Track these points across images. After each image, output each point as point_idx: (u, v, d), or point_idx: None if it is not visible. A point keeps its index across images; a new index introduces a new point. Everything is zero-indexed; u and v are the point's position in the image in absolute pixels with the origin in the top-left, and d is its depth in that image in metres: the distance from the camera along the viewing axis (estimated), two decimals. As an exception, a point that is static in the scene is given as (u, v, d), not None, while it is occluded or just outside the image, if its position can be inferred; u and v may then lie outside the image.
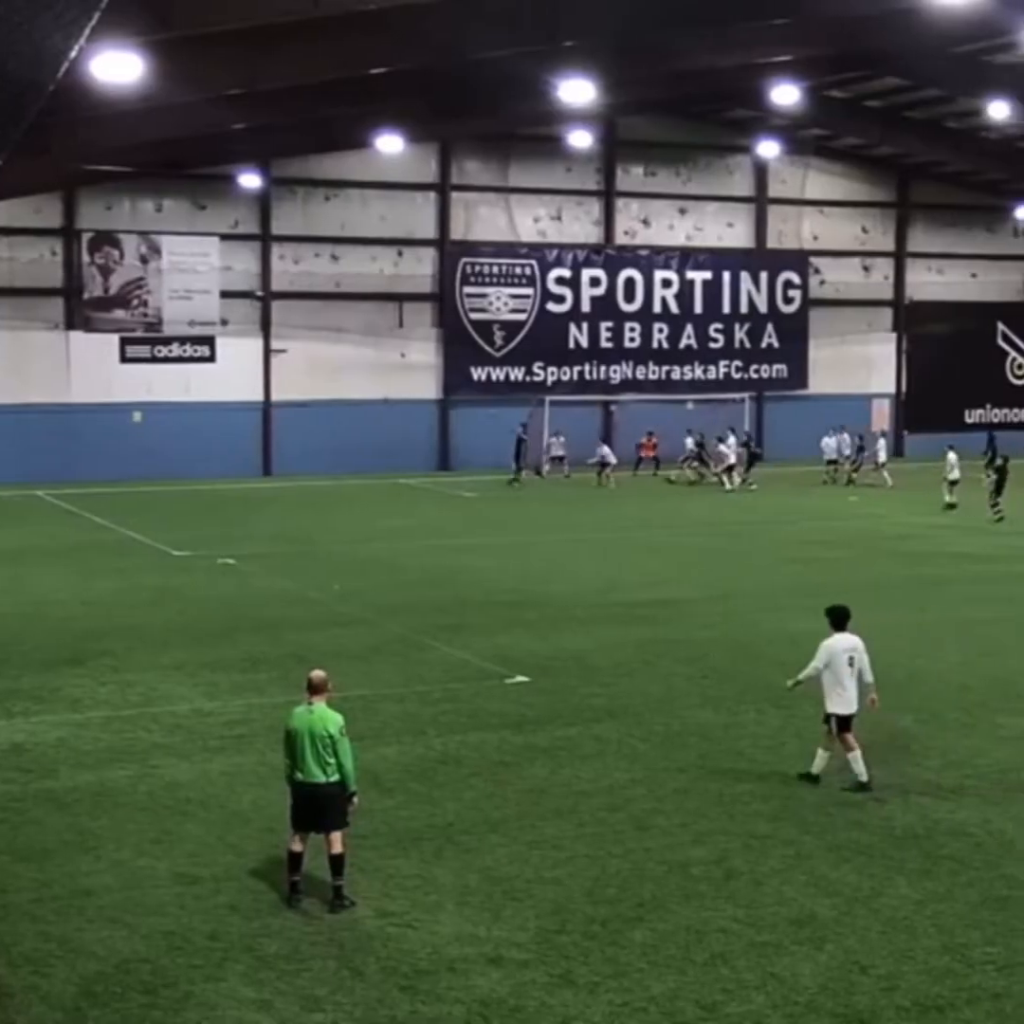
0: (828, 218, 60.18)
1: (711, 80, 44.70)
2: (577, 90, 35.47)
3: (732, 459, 48.03)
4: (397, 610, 25.80)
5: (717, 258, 58.20)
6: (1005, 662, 21.61)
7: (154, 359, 51.04)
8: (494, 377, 55.12)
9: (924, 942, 11.51)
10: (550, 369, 55.77)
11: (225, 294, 51.59)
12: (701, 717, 18.41)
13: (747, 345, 58.79)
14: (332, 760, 12.23)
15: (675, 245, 57.76)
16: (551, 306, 55.67)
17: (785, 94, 44.38)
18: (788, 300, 59.29)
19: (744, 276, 58.52)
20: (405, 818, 14.47)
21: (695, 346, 57.94)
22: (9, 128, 10.27)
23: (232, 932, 11.73)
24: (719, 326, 58.31)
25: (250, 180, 50.92)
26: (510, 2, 28.83)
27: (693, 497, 45.99)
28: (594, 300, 56.26)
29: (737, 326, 58.53)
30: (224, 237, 51.68)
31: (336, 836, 12.29)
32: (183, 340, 51.33)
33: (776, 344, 59.14)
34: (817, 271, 59.99)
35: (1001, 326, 63.53)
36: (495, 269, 54.85)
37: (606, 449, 50.36)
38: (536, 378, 55.52)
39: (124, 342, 50.66)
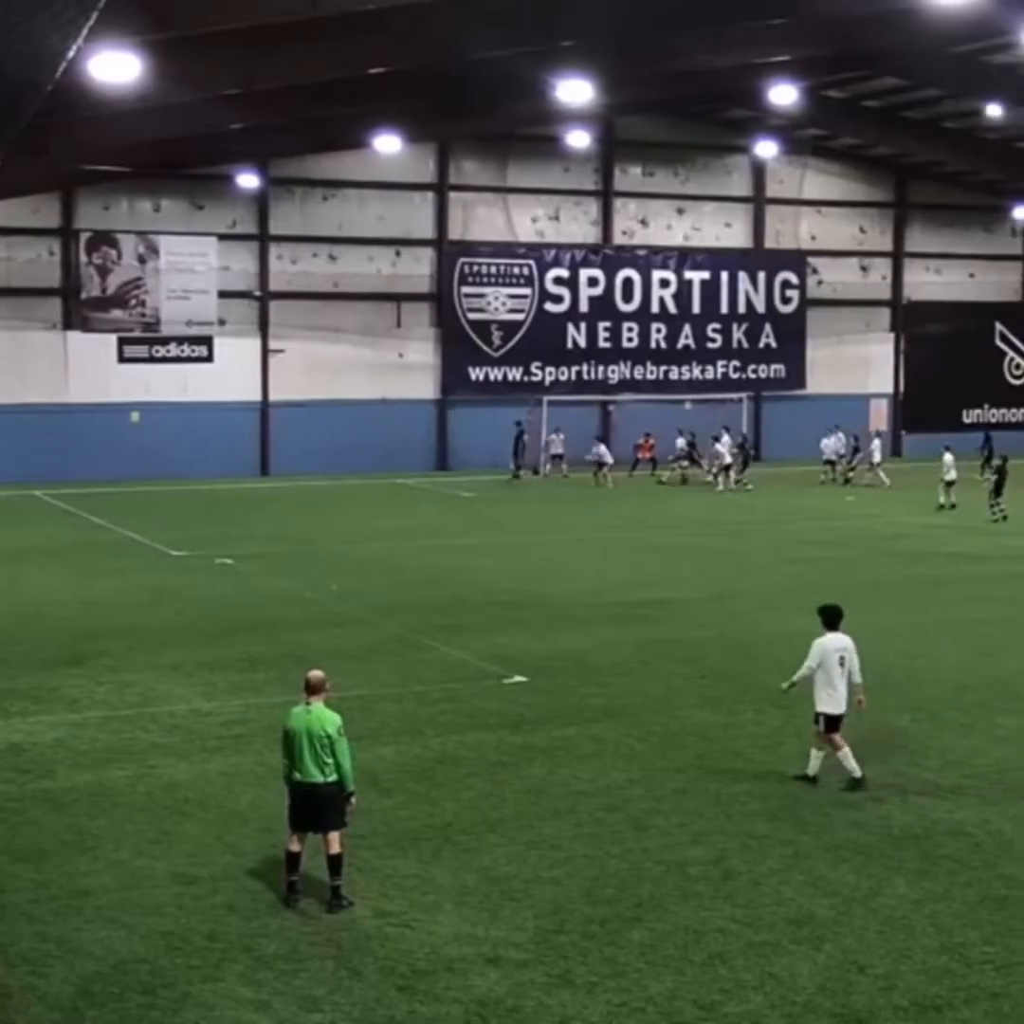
0: (826, 218, 60.18)
1: (709, 80, 44.67)
2: (575, 90, 35.45)
3: (728, 459, 48.03)
4: (395, 610, 25.80)
5: (715, 258, 58.17)
6: (1003, 662, 21.63)
7: (152, 359, 51.00)
8: (492, 377, 55.08)
9: (922, 942, 11.52)
10: (548, 369, 55.72)
11: (223, 294, 51.55)
12: (699, 717, 18.41)
13: (745, 345, 58.76)
14: (330, 760, 12.23)
15: (673, 245, 57.74)
16: (549, 306, 55.64)
17: (783, 94, 44.33)
18: (786, 300, 59.27)
19: (742, 276, 58.49)
20: (403, 818, 14.47)
21: (693, 346, 57.90)
22: (7, 128, 10.28)
23: (230, 932, 11.73)
24: (717, 326, 58.28)
25: (248, 180, 50.89)
26: (509, 2, 28.79)
27: (690, 497, 45.96)
28: (592, 300, 56.22)
29: (735, 326, 58.49)
30: (222, 237, 51.64)
31: (334, 836, 12.29)
32: (181, 340, 51.29)
33: (774, 344, 59.11)
34: (815, 271, 59.97)
35: (999, 326, 63.54)
36: (493, 269, 54.82)
37: (603, 448, 50.37)
38: (534, 378, 55.47)
39: (122, 342, 50.62)
